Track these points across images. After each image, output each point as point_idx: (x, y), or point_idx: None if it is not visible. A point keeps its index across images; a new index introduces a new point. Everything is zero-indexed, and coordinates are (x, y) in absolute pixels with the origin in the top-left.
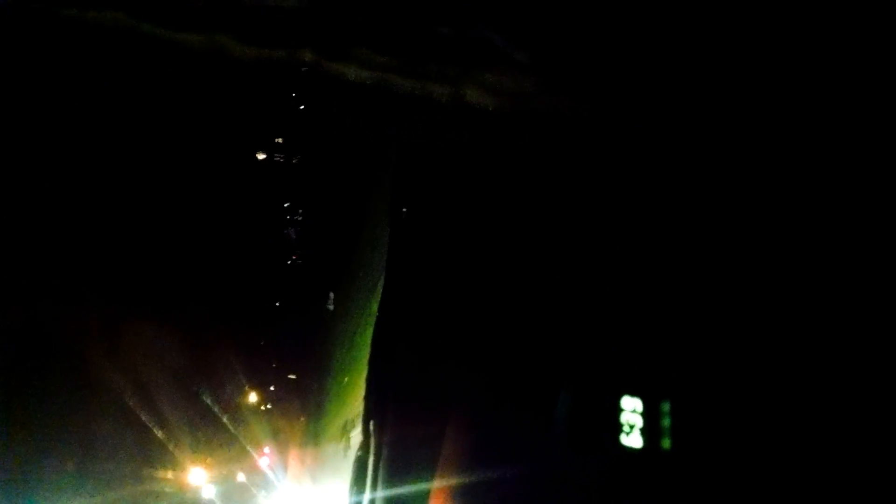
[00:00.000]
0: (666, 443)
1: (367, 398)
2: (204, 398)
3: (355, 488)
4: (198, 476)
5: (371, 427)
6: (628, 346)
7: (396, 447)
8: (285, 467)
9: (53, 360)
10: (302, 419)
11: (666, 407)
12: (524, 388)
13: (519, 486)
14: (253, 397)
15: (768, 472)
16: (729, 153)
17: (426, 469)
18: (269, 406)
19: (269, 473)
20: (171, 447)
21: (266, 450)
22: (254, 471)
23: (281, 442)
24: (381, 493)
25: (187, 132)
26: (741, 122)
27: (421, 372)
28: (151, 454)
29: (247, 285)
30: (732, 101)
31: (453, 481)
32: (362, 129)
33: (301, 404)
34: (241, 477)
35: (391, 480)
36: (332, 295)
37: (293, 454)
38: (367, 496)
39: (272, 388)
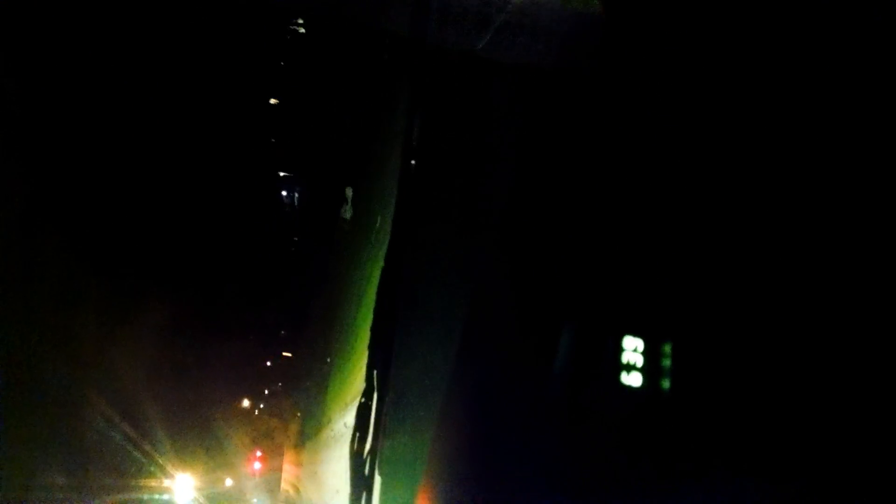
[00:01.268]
0: (666, 383)
1: (370, 346)
2: (192, 401)
3: (358, 435)
4: (184, 483)
5: (375, 374)
6: (630, 285)
7: (402, 391)
8: (279, 469)
9: (42, 369)
10: (297, 415)
11: (668, 348)
12: (527, 327)
13: (521, 424)
14: (245, 401)
15: (767, 415)
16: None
17: (431, 412)
18: (261, 406)
19: (261, 478)
20: (158, 454)
21: (258, 453)
22: (244, 476)
23: (275, 443)
24: (386, 440)
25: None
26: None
27: (425, 318)
28: (140, 462)
29: (237, 261)
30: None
31: (457, 423)
32: (369, 73)
33: (295, 400)
34: (228, 482)
35: (397, 425)
36: (349, 194)
37: (288, 455)
38: (369, 443)
39: (265, 391)
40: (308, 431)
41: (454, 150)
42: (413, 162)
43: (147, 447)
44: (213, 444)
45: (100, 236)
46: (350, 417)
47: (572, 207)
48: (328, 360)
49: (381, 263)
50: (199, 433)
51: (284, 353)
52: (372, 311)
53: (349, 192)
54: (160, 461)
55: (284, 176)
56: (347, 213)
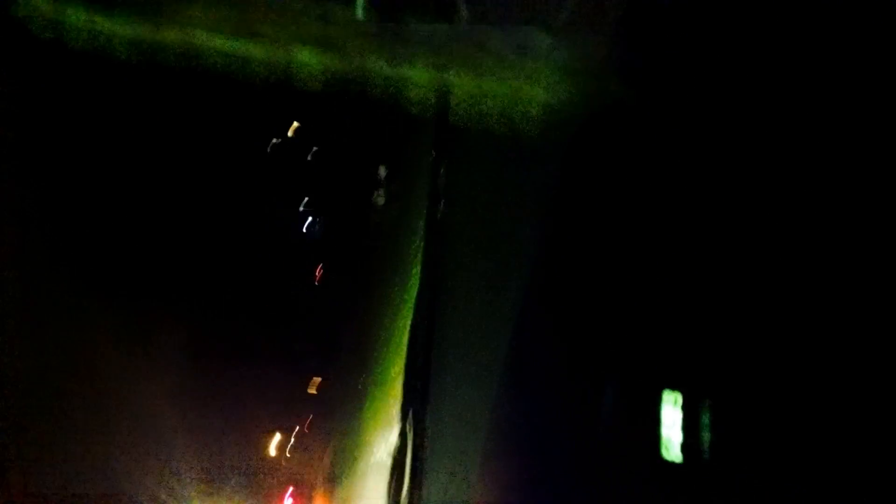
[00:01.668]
0: (706, 439)
1: (405, 391)
2: (214, 444)
3: (393, 491)
4: None
5: (408, 422)
6: (671, 341)
7: (439, 445)
8: None
9: (66, 401)
10: (330, 447)
11: (706, 404)
12: (568, 377)
13: (564, 480)
14: (276, 435)
15: (808, 476)
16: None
17: (469, 466)
18: (292, 439)
19: None
20: (178, 491)
21: (288, 498)
22: None
23: (307, 479)
24: (420, 495)
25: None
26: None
27: (464, 361)
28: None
29: (264, 289)
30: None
31: (496, 480)
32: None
33: (328, 430)
34: None
35: (431, 482)
36: (382, 174)
37: (321, 493)
38: (405, 495)
39: (296, 423)
40: (342, 464)
41: (484, 196)
42: (441, 205)
43: (174, 487)
44: (240, 482)
45: (121, 260)
46: (389, 446)
47: (613, 260)
48: (360, 384)
49: (413, 304)
50: (225, 471)
51: (315, 378)
52: (404, 345)
53: (383, 171)
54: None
55: (307, 204)
56: (381, 198)
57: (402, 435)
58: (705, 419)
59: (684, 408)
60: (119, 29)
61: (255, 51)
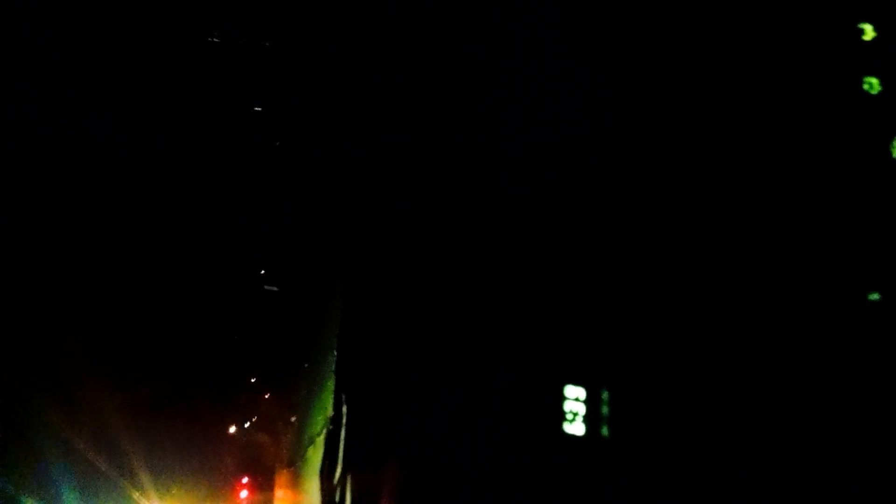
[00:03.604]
0: (605, 430)
1: (337, 371)
2: (168, 425)
3: (327, 463)
4: None
5: (342, 400)
6: (570, 333)
7: (364, 422)
8: (271, 495)
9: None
10: (292, 421)
11: (605, 395)
12: (467, 370)
13: (466, 464)
14: (231, 426)
15: (705, 455)
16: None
17: (388, 446)
18: (247, 424)
19: None
20: (130, 488)
21: (245, 480)
22: None
23: (265, 464)
24: (351, 468)
25: None
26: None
27: (384, 351)
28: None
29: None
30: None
31: (411, 457)
32: None
33: (287, 407)
34: None
35: (359, 456)
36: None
37: (282, 477)
38: (339, 471)
39: (252, 404)
40: (304, 443)
41: None
42: None
43: (124, 481)
44: (194, 473)
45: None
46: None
47: (516, 254)
48: (304, 388)
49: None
50: (178, 463)
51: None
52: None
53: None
54: (138, 496)
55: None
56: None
57: (336, 422)
58: (604, 410)
59: (585, 401)
60: None
61: None
